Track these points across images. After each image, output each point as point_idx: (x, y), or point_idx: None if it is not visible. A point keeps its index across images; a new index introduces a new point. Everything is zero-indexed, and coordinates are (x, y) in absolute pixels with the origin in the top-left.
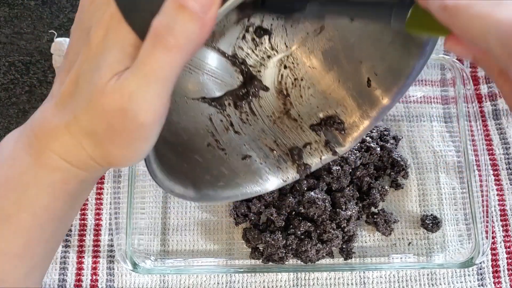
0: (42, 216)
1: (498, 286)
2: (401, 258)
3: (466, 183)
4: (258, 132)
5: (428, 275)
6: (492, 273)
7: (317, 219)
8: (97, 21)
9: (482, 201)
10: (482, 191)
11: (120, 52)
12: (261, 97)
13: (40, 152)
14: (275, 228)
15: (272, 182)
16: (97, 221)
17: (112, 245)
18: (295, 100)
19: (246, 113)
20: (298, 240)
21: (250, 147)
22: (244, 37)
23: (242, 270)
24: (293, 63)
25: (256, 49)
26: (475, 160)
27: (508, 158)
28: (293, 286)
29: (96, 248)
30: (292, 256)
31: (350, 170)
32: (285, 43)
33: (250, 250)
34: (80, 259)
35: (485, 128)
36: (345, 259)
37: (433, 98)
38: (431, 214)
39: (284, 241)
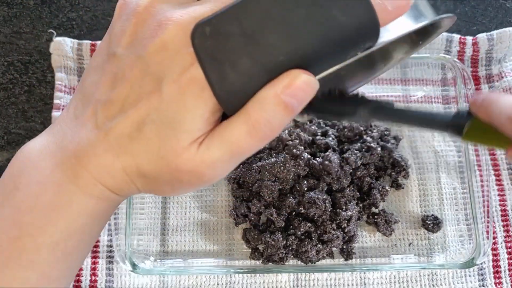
0: (86, 241)
1: (499, 286)
2: (401, 258)
3: (467, 183)
4: None
5: (428, 275)
6: (493, 273)
7: (317, 219)
8: (174, 79)
9: (483, 201)
10: (483, 191)
11: (200, 119)
12: None
13: (92, 184)
14: (275, 229)
15: None
16: None
17: (111, 246)
18: None
19: None
20: (298, 241)
21: None
22: None
23: (242, 270)
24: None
25: None
26: (476, 160)
27: None
28: (293, 286)
29: (95, 249)
30: (292, 256)
31: (351, 171)
32: None
33: (250, 250)
34: None
35: None
36: (346, 259)
37: (434, 97)
38: (432, 215)
39: (284, 242)
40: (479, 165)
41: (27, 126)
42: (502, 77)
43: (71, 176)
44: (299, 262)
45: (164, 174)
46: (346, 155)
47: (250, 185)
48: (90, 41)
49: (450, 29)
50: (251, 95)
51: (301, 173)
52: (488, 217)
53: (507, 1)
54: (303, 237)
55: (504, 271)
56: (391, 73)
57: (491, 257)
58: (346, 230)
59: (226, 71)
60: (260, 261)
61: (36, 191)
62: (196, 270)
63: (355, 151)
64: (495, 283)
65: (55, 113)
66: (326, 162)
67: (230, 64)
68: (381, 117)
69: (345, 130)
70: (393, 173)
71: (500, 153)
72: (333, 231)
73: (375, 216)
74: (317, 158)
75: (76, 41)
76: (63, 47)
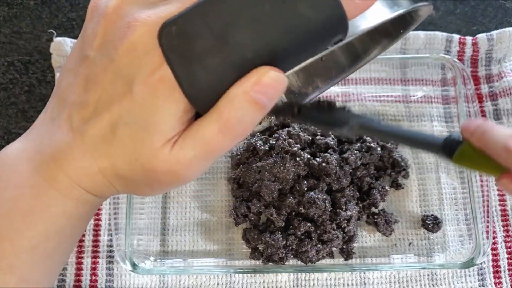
0: (66, 243)
1: (499, 286)
2: (401, 258)
3: (466, 183)
4: None
5: (428, 275)
6: (493, 273)
7: (317, 219)
8: (144, 80)
9: (483, 201)
10: (482, 191)
11: (173, 119)
12: None
13: (70, 187)
14: (275, 229)
15: None
16: (96, 221)
17: (111, 246)
18: None
19: None
20: (298, 241)
21: None
22: None
23: (242, 270)
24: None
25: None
26: None
27: None
28: (293, 286)
29: (95, 249)
30: (292, 256)
31: (351, 170)
32: None
33: (250, 250)
34: (79, 260)
35: None
36: (346, 259)
37: (434, 98)
38: (432, 214)
39: (284, 242)
40: None
41: (27, 126)
42: (502, 77)
43: (49, 179)
44: (299, 262)
45: (140, 175)
46: (346, 155)
47: (250, 185)
48: None
49: (450, 29)
50: (221, 93)
51: (301, 173)
52: (488, 217)
53: (506, 1)
54: (303, 237)
55: (504, 271)
56: (391, 73)
57: (491, 257)
58: (346, 230)
59: (194, 70)
60: (260, 261)
61: (14, 195)
62: (196, 270)
63: (355, 151)
64: (495, 283)
65: None
66: (324, 164)
67: (198, 63)
68: (370, 133)
69: None
70: (393, 173)
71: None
72: (333, 231)
73: (375, 216)
74: (317, 158)
75: (76, 41)
76: (63, 47)
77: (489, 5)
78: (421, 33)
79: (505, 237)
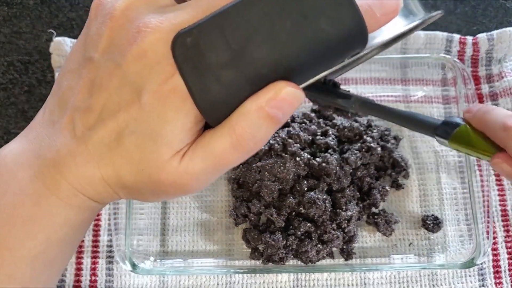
0: (67, 251)
1: (499, 286)
2: (402, 258)
3: (467, 183)
4: None
5: (429, 275)
6: (493, 273)
7: (317, 219)
8: (154, 89)
9: (483, 201)
10: (483, 191)
11: (182, 131)
12: None
13: (72, 195)
14: (275, 229)
15: None
16: (96, 222)
17: (111, 246)
18: None
19: None
20: (298, 241)
21: None
22: None
23: (242, 270)
24: None
25: None
26: (476, 160)
27: None
28: (293, 286)
29: (95, 249)
30: (292, 256)
31: (351, 171)
32: None
33: (250, 250)
34: (79, 260)
35: None
36: (346, 259)
37: (434, 97)
38: (432, 215)
39: (284, 242)
40: (479, 165)
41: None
42: (502, 77)
43: (50, 186)
44: (299, 262)
45: (146, 185)
46: (346, 155)
47: (250, 185)
48: None
49: (450, 29)
50: (235, 107)
51: (301, 173)
52: (488, 217)
53: (507, 1)
54: (303, 237)
55: (504, 271)
56: (391, 73)
57: (491, 257)
58: (346, 230)
59: (208, 82)
60: (260, 261)
61: (13, 202)
62: (196, 270)
63: (355, 151)
64: (495, 283)
65: None
66: (324, 164)
67: (212, 75)
68: (370, 111)
69: (345, 130)
70: (393, 173)
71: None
72: (333, 231)
73: (375, 216)
74: (317, 158)
75: (76, 40)
76: (63, 47)
77: (489, 5)
78: (421, 33)
79: (505, 237)
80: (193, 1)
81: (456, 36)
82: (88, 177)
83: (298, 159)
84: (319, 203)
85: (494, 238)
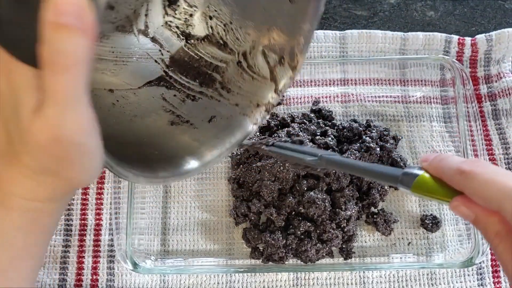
0: (20, 256)
1: (497, 286)
2: (400, 258)
3: None
4: (215, 89)
5: (428, 275)
6: (492, 273)
7: (317, 219)
8: None
9: None
10: None
11: (29, 89)
12: (203, 56)
13: (6, 199)
14: (275, 228)
15: (244, 128)
16: (97, 221)
17: (112, 245)
18: (234, 44)
19: (195, 76)
20: (298, 240)
21: (212, 106)
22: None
23: (242, 270)
24: (215, 10)
25: (176, 13)
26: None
27: (507, 158)
28: (293, 286)
29: (96, 248)
30: (292, 256)
31: None
32: None
33: (250, 250)
34: (80, 259)
35: (484, 128)
36: (345, 259)
37: (433, 98)
38: (431, 214)
39: (284, 241)
40: None
41: None
42: (501, 78)
43: None
44: (299, 261)
45: (43, 159)
46: (345, 155)
47: (250, 185)
48: None
49: (449, 30)
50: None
51: (300, 172)
52: None
53: (505, 2)
54: (302, 236)
55: (503, 271)
56: (390, 73)
57: (489, 256)
58: (345, 229)
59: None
60: (260, 260)
61: None
62: (196, 269)
63: (354, 151)
64: (494, 283)
65: None
66: None
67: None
68: (336, 167)
69: (345, 130)
70: None
71: (499, 153)
72: (332, 231)
73: (374, 216)
74: None
75: None
76: None
77: (488, 6)
78: (420, 34)
79: None
80: None
81: (455, 37)
82: (9, 177)
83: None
84: (318, 202)
85: None
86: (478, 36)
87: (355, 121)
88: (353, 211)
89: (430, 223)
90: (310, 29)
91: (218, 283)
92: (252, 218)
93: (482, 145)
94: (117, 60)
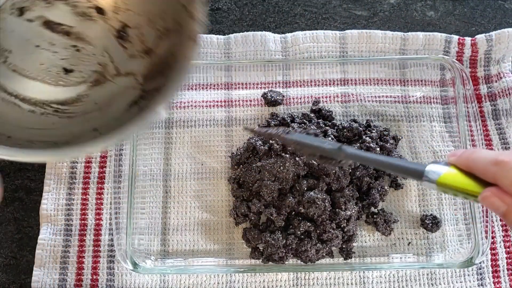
0: None
1: (497, 286)
2: (400, 258)
3: None
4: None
5: (427, 274)
6: (492, 273)
7: (317, 219)
8: None
9: None
10: None
11: None
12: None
13: None
14: (275, 228)
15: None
16: (97, 221)
17: (112, 245)
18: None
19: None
20: (298, 240)
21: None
22: None
23: (242, 270)
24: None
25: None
26: None
27: None
28: (293, 285)
29: (96, 248)
30: (292, 256)
31: (350, 170)
32: None
33: (250, 250)
34: (80, 259)
35: (484, 128)
36: (345, 258)
37: (433, 98)
38: (431, 214)
39: (284, 241)
40: None
41: None
42: (501, 78)
43: None
44: (299, 261)
45: None
46: None
47: (250, 185)
48: None
49: (449, 30)
50: None
51: (300, 172)
52: (486, 217)
53: (505, 2)
54: (302, 236)
55: (503, 271)
56: (390, 73)
57: (489, 256)
58: (345, 229)
59: None
60: (260, 260)
61: None
62: (196, 269)
63: None
64: (494, 283)
65: None
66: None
67: None
68: (358, 159)
69: (345, 130)
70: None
71: None
72: (332, 231)
73: (374, 216)
74: None
75: None
76: None
77: (488, 6)
78: (420, 34)
79: (504, 237)
80: None
81: (455, 37)
82: None
83: (297, 159)
84: (318, 202)
85: (493, 237)
86: (478, 36)
87: (355, 121)
88: (353, 211)
89: (430, 223)
90: None
91: (218, 283)
92: (252, 218)
93: (482, 145)
94: None
